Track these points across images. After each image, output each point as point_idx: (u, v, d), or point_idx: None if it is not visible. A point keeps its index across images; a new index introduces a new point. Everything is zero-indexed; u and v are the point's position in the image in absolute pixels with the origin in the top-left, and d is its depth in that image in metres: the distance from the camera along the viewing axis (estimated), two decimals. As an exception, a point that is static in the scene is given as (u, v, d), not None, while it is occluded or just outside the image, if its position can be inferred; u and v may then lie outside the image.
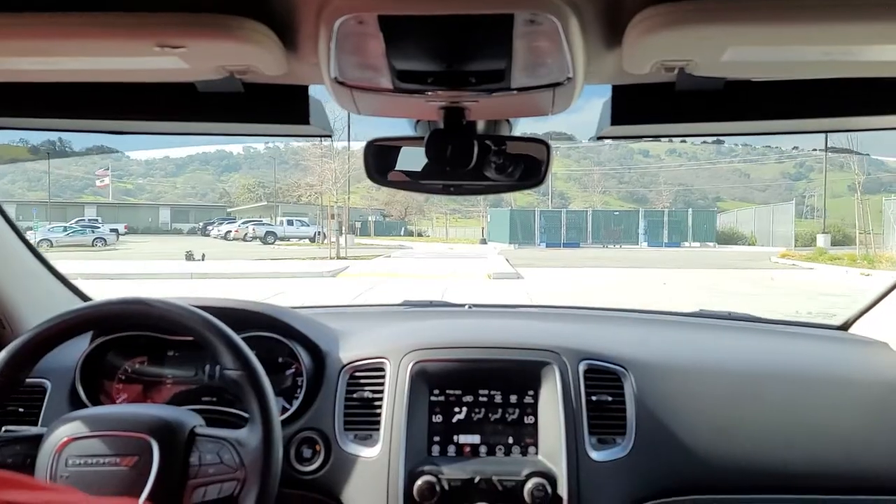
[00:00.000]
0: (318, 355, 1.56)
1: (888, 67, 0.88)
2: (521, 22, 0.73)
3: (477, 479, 1.36)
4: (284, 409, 1.50)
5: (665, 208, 49.40)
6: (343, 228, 28.24)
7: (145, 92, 1.03)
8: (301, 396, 1.51)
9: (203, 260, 21.90)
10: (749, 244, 38.02)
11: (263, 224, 44.68)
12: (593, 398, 1.46)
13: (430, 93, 0.96)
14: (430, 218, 72.71)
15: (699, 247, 36.74)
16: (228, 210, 72.44)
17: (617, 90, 1.07)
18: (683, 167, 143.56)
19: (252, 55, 0.83)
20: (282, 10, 0.79)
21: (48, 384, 1.51)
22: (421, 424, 1.44)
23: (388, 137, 1.27)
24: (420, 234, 62.16)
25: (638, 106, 1.06)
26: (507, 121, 1.23)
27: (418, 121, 1.22)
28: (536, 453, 1.42)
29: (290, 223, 43.78)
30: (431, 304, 2.18)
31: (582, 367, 1.49)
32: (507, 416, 1.46)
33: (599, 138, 1.18)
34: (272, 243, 38.85)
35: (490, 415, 1.46)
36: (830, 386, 1.56)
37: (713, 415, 1.50)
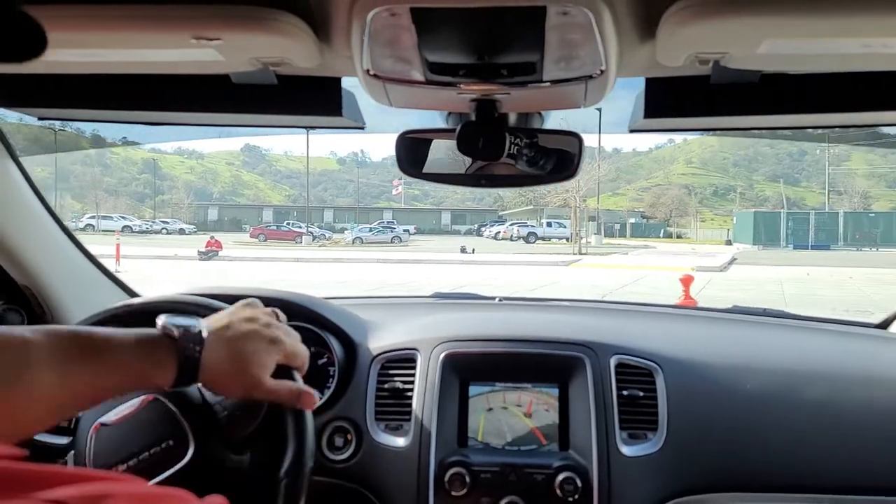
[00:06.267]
0: (350, 346, 1.57)
1: None
2: (554, 14, 0.73)
3: (507, 471, 1.37)
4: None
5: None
6: (586, 230, 32.38)
7: (181, 84, 1.06)
8: (333, 386, 1.53)
9: (473, 252, 27.80)
10: None
11: (527, 225, 49.96)
12: (624, 393, 1.45)
13: (461, 85, 0.96)
14: (700, 219, 72.11)
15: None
16: (500, 213, 78.86)
17: (650, 83, 1.06)
18: None
19: (286, 47, 0.84)
20: (315, 2, 0.80)
21: None
22: (451, 415, 1.45)
23: (419, 130, 1.27)
24: (679, 236, 62.61)
25: (672, 99, 1.04)
26: (539, 113, 1.22)
27: (450, 113, 1.21)
28: (567, 447, 1.41)
29: (549, 225, 48.42)
30: (461, 296, 2.18)
31: (613, 362, 1.48)
32: (537, 409, 1.46)
33: (632, 131, 1.18)
34: (533, 242, 43.58)
35: (520, 407, 1.46)
36: (869, 385, 1.53)
37: (746, 413, 1.47)
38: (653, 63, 0.90)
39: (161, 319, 0.88)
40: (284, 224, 52.90)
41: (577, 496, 1.33)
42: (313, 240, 43.14)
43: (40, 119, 1.23)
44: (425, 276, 17.15)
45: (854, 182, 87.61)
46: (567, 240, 43.32)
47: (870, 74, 0.98)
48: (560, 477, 1.34)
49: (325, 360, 1.57)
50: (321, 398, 1.51)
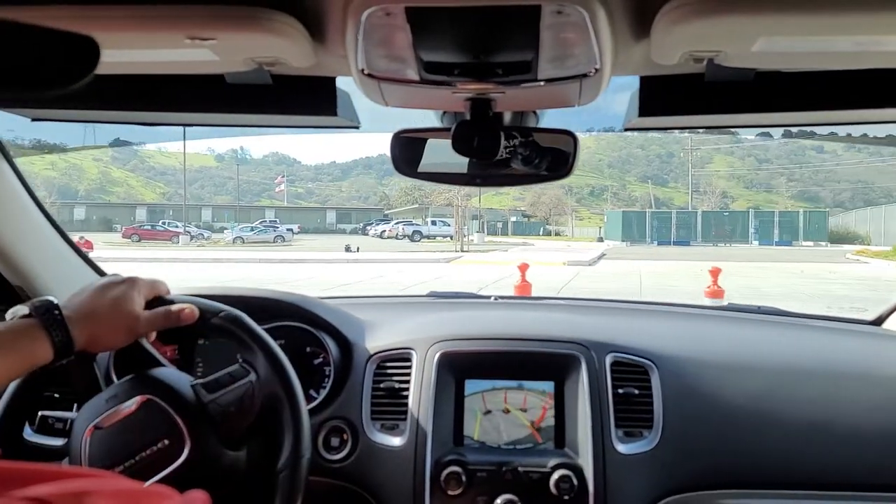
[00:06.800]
0: (346, 345, 1.57)
1: None
2: (549, 13, 0.74)
3: (503, 470, 1.36)
4: (312, 398, 1.52)
5: (830, 208, 48.88)
6: (469, 228, 33.30)
7: (175, 84, 1.06)
8: (328, 386, 1.53)
9: (358, 251, 27.97)
10: (864, 243, 38.17)
11: (413, 224, 50.42)
12: (620, 391, 1.45)
13: (456, 84, 0.96)
14: (577, 218, 75.47)
15: (812, 245, 37.81)
16: (385, 212, 78.48)
17: (645, 81, 1.07)
18: (863, 163, 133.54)
19: (280, 47, 0.85)
20: (310, 2, 0.80)
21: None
22: (447, 414, 1.45)
23: (414, 129, 1.28)
24: (557, 234, 65.13)
25: (666, 97, 1.05)
26: (534, 112, 1.23)
27: (445, 112, 1.22)
28: (563, 445, 1.42)
29: (433, 223, 49.03)
30: (457, 295, 2.16)
31: (609, 360, 1.49)
32: (533, 407, 1.45)
33: (626, 129, 1.19)
34: (418, 241, 44.10)
35: (516, 406, 1.46)
36: (863, 382, 1.54)
37: (742, 410, 1.48)
38: (647, 61, 0.92)
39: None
40: (160, 223, 50.56)
41: (572, 494, 1.34)
42: (191, 240, 41.46)
43: (34, 120, 1.24)
44: (308, 276, 17.18)
45: (715, 183, 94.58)
46: (451, 238, 44.28)
47: (863, 72, 0.99)
48: (556, 475, 1.35)
49: (320, 359, 1.58)
50: (317, 398, 1.52)
